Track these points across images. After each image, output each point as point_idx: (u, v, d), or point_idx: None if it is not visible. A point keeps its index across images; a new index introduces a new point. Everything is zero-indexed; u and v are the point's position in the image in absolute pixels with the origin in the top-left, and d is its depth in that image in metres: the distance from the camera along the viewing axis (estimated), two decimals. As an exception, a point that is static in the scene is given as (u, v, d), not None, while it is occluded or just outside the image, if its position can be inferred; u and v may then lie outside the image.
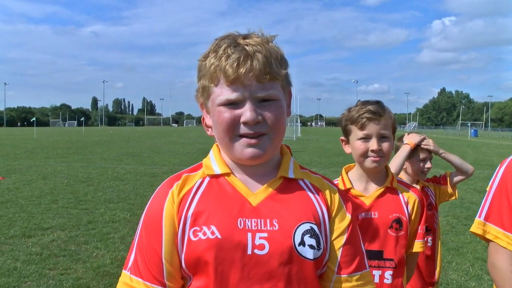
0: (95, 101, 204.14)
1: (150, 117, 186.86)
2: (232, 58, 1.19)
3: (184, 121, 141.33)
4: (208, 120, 1.33)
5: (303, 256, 1.22)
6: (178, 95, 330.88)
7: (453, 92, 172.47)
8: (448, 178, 3.28)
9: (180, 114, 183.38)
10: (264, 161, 1.30)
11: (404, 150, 2.93)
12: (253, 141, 1.23)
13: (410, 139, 3.03)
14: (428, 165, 3.09)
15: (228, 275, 1.20)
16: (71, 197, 10.26)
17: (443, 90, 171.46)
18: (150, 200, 1.34)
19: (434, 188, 3.25)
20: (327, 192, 1.34)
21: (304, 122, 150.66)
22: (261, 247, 1.21)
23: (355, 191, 2.14)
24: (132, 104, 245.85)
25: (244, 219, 1.24)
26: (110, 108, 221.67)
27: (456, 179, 3.27)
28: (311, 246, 1.24)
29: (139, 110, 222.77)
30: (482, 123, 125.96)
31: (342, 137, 2.21)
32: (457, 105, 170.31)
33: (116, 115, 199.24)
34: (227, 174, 1.31)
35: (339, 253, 1.29)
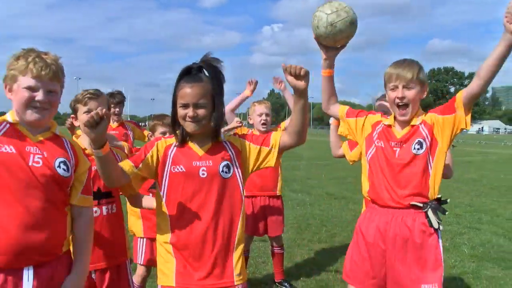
0: None
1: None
2: (39, 64, 2.22)
3: None
4: (8, 94, 2.23)
5: (61, 175, 2.30)
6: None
7: (281, 93, 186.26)
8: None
9: None
10: (44, 123, 2.36)
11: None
12: (39, 110, 2.27)
13: None
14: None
15: (9, 184, 2.14)
16: None
17: (272, 91, 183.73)
18: None
19: None
20: (77, 146, 2.48)
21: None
22: (37, 163, 2.24)
23: (90, 150, 2.98)
24: None
25: (29, 147, 2.26)
26: None
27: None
28: (64, 170, 2.32)
29: None
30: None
31: (72, 115, 3.16)
32: (284, 105, 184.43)
33: None
34: (17, 124, 2.25)
35: (84, 182, 2.43)
